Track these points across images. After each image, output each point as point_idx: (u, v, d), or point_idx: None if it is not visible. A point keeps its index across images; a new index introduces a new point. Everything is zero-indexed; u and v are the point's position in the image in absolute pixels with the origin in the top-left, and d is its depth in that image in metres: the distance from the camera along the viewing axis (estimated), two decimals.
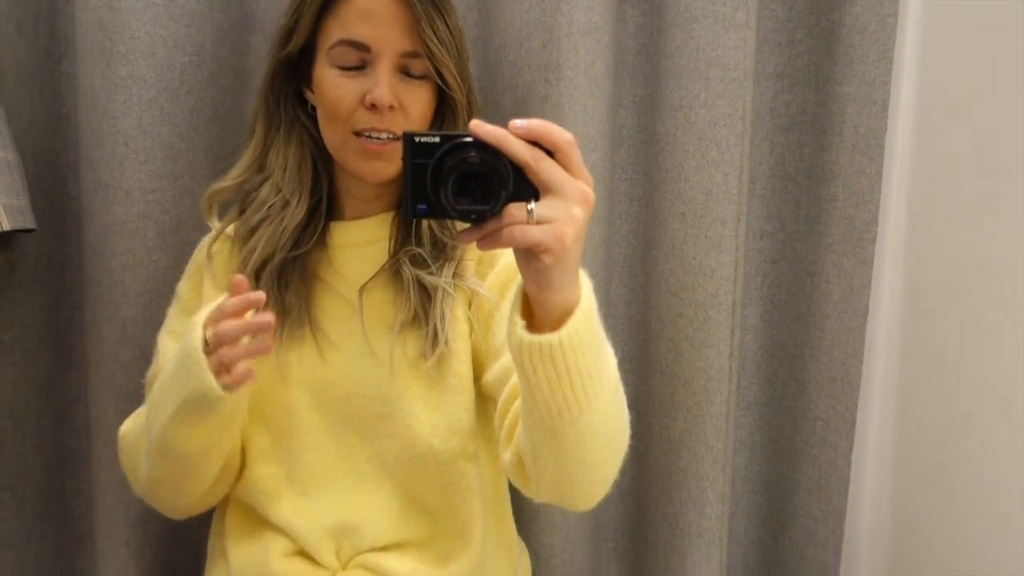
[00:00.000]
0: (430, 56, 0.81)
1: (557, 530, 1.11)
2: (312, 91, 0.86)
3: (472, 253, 0.88)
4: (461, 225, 0.78)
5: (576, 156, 0.55)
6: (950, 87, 1.05)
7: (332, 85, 0.82)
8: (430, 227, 0.87)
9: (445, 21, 0.82)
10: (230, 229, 0.90)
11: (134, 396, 0.92)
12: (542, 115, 1.01)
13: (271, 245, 0.86)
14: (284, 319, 0.86)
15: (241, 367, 0.71)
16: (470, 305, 0.86)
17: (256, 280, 0.86)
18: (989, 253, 0.97)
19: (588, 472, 0.67)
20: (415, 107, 0.83)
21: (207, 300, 0.87)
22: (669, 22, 1.06)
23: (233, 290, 0.74)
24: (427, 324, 0.84)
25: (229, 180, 0.88)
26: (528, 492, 0.74)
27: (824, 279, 1.13)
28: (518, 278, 0.59)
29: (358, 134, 0.82)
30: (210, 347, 0.72)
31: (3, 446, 1.06)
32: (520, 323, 0.59)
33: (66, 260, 1.09)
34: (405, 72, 0.82)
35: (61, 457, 1.11)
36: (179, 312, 0.91)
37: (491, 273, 0.86)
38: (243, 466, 0.88)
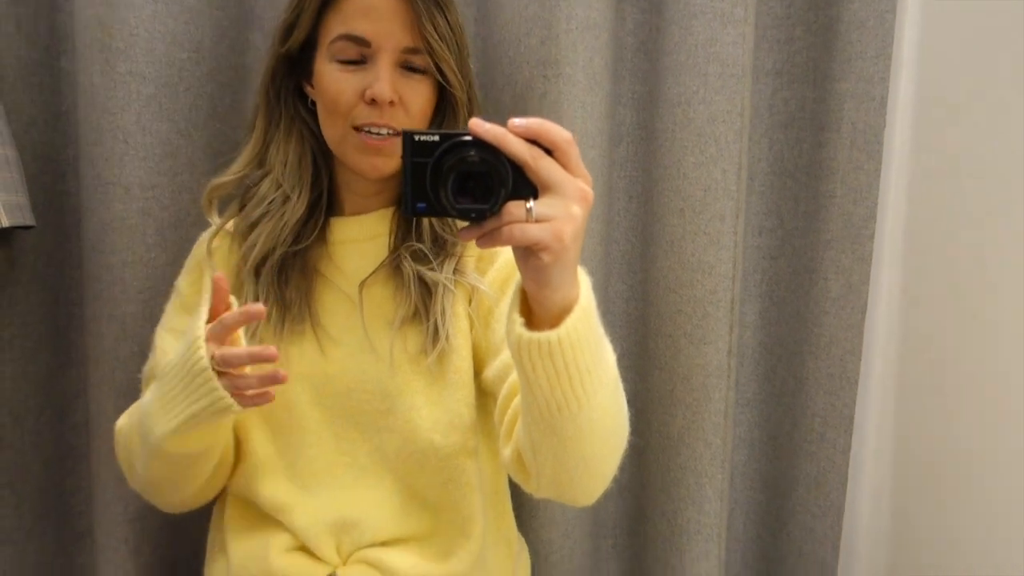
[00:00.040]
0: (430, 52, 0.81)
1: (556, 526, 1.11)
2: (312, 86, 0.86)
3: (472, 249, 0.88)
4: (461, 223, 0.78)
5: (575, 154, 0.56)
6: (948, 83, 1.05)
7: (332, 80, 0.82)
8: (431, 223, 0.87)
9: (446, 17, 0.82)
10: (230, 225, 0.90)
11: (133, 393, 0.92)
12: (541, 111, 1.02)
13: (271, 240, 0.86)
14: (285, 314, 0.86)
15: (258, 393, 0.74)
16: (470, 301, 0.86)
17: (256, 275, 0.86)
18: (987, 249, 0.98)
19: (587, 468, 0.67)
20: (415, 103, 0.83)
21: (207, 296, 0.88)
22: (668, 18, 1.06)
23: (215, 289, 0.75)
24: (428, 320, 0.84)
25: (229, 175, 0.88)
26: (528, 488, 0.74)
27: (823, 275, 1.13)
28: (518, 275, 0.59)
29: (358, 129, 0.82)
30: (216, 364, 0.73)
31: (2, 443, 1.06)
32: (519, 320, 0.59)
33: (66, 257, 1.09)
34: (405, 67, 0.82)
35: (60, 454, 1.11)
36: (178, 308, 0.91)
37: (491, 269, 0.86)
38: (241, 460, 0.89)
